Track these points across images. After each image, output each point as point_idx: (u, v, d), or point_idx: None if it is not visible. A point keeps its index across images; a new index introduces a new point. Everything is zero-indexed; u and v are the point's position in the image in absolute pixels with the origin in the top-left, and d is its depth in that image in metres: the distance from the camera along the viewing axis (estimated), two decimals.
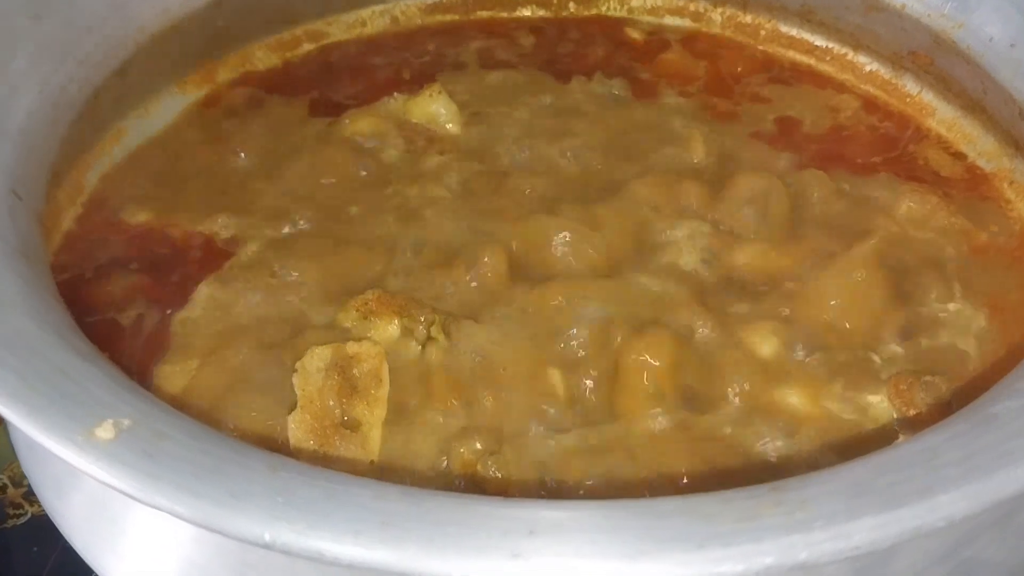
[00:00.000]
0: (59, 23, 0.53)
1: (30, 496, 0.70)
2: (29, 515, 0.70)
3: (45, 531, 0.67)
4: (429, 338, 0.50)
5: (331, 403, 0.46)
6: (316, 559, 0.29)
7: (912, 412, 0.46)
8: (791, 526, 0.28)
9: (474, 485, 0.43)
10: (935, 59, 0.62)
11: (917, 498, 0.29)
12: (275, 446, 0.45)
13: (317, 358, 0.47)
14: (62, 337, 0.36)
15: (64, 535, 0.45)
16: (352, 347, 0.48)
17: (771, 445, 0.44)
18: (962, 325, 0.51)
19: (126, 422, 0.32)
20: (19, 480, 0.70)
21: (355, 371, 0.47)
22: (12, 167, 0.45)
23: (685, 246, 0.54)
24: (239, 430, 0.45)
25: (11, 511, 0.69)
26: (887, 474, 0.30)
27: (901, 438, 0.35)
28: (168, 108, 0.66)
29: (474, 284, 0.53)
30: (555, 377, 0.47)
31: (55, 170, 0.53)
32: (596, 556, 0.28)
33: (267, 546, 0.29)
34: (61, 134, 0.52)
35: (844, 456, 0.43)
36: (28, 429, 0.32)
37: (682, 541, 0.28)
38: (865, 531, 0.28)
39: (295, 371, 0.47)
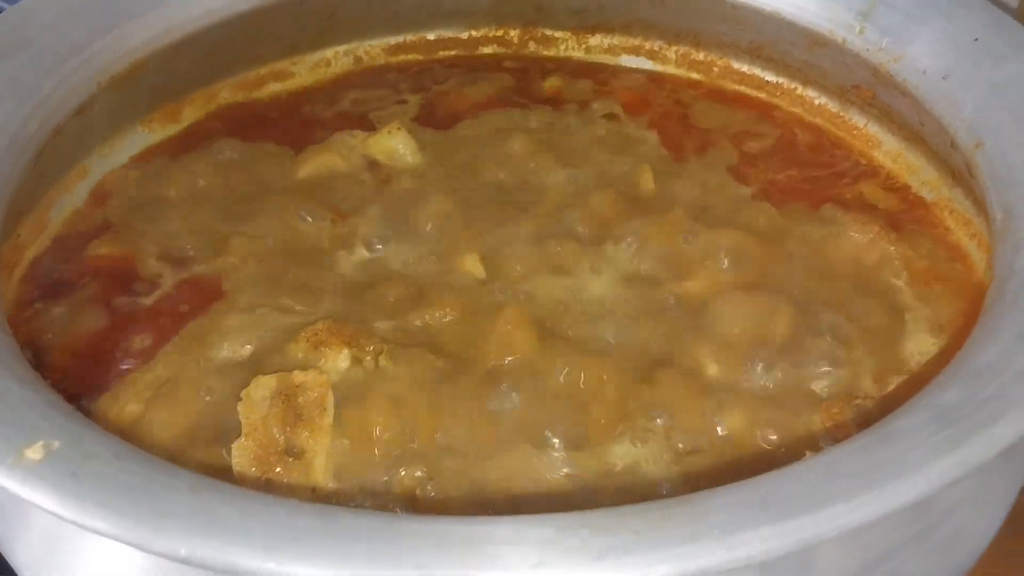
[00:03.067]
0: (19, 64, 0.55)
1: None
2: None
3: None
4: (377, 367, 0.51)
5: (275, 431, 0.47)
6: (232, 573, 0.30)
7: (843, 435, 0.47)
8: (686, 536, 0.29)
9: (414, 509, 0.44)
10: (877, 92, 0.64)
11: (813, 508, 0.30)
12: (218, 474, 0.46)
13: (262, 387, 0.48)
14: (2, 363, 0.37)
15: (15, 570, 0.46)
16: (298, 376, 0.49)
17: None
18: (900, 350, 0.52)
19: (56, 444, 0.33)
20: None
21: (300, 400, 0.48)
22: None
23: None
24: (184, 458, 0.46)
25: None
26: (786, 486, 0.31)
27: (808, 454, 0.36)
28: (133, 145, 0.67)
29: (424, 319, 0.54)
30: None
31: (16, 207, 0.54)
32: (497, 569, 0.29)
33: (185, 561, 0.30)
34: (21, 171, 0.53)
35: None
36: None
37: (582, 552, 0.29)
38: (760, 541, 0.29)
39: (240, 399, 0.48)
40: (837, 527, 0.30)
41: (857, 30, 0.62)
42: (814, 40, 0.65)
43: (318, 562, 0.29)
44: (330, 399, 0.49)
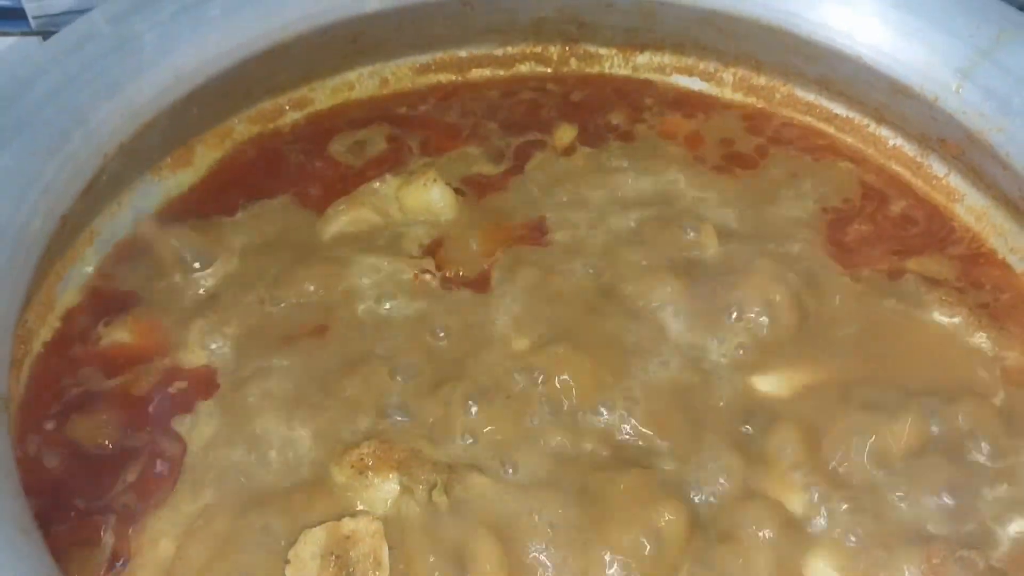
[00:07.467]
0: (19, 150, 0.49)
1: None
2: None
3: None
4: (430, 501, 0.46)
5: None
6: None
7: None
8: None
9: None
10: (967, 151, 0.57)
11: None
12: None
13: (311, 543, 0.44)
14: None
15: None
16: (348, 525, 0.45)
17: None
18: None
19: None
20: None
21: (352, 554, 0.44)
22: None
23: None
24: None
25: None
26: None
27: None
28: (143, 197, 0.61)
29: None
30: None
31: (24, 300, 0.49)
32: None
33: None
34: (30, 274, 0.48)
35: None
36: None
37: None
38: None
39: (287, 562, 0.44)
40: None
41: (953, 88, 0.55)
42: (897, 89, 0.58)
43: None
44: (385, 552, 0.45)
